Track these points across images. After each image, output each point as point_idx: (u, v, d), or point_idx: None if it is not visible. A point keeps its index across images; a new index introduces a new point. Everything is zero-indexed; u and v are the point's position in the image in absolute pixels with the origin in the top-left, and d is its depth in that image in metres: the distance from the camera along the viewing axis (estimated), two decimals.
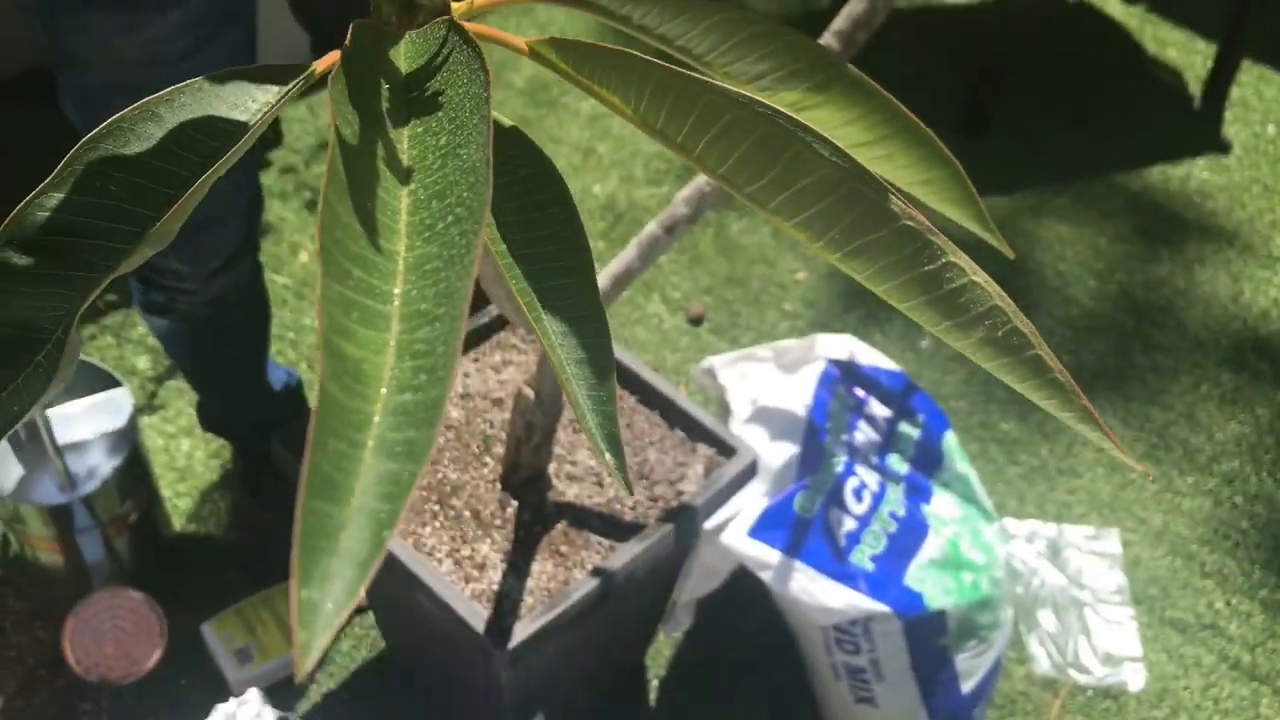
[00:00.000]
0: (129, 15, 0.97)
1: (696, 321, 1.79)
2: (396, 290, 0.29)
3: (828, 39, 0.95)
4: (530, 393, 1.09)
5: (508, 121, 0.40)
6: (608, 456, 0.39)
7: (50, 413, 1.28)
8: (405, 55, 0.36)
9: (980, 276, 0.35)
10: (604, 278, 1.07)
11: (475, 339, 1.28)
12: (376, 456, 0.26)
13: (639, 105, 0.36)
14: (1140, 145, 2.14)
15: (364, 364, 0.27)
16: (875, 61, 2.47)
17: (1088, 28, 2.41)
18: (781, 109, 0.36)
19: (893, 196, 0.34)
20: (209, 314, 1.26)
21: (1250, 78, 2.28)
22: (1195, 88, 2.27)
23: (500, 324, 1.29)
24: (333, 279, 0.27)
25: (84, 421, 1.31)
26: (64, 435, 1.29)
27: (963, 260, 0.35)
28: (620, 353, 1.25)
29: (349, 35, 0.35)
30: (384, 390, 0.27)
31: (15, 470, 1.28)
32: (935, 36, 2.37)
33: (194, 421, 1.57)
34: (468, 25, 0.38)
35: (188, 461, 1.56)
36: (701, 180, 1.02)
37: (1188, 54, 2.34)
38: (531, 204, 0.39)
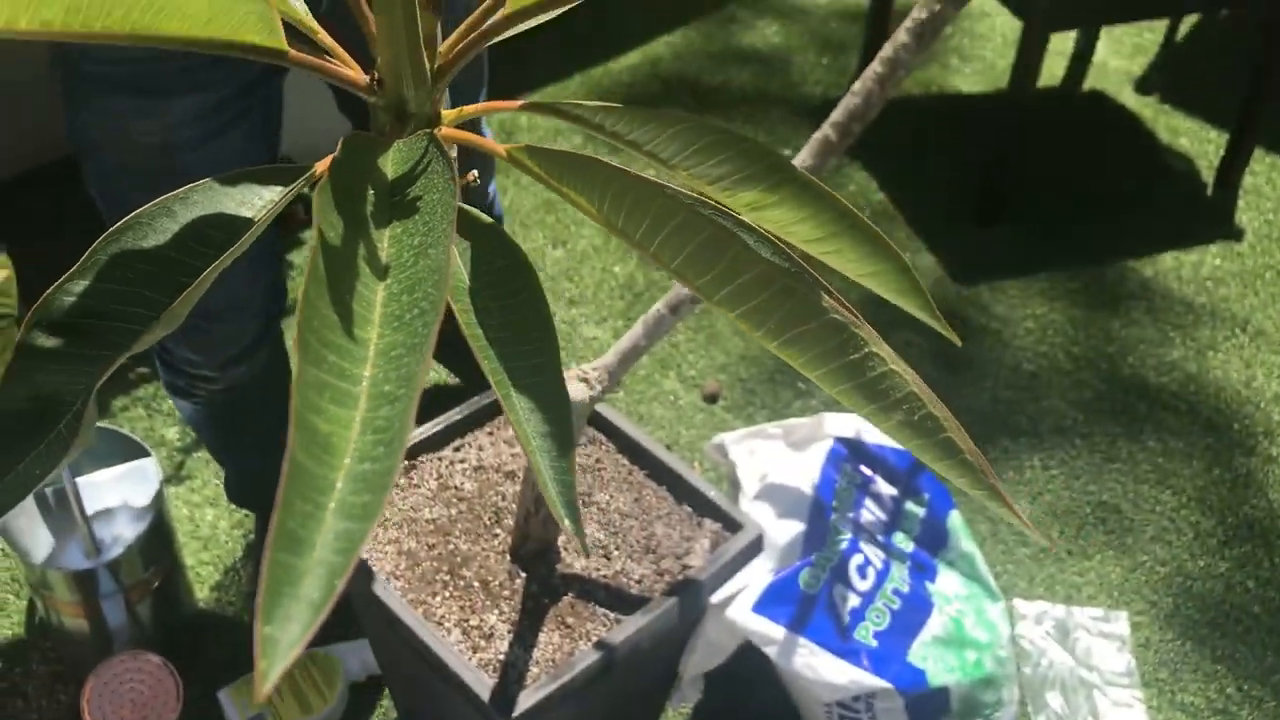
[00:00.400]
0: (145, 100, 1.03)
1: (712, 399, 1.83)
2: (366, 374, 0.33)
3: (826, 130, 0.99)
4: None
5: (486, 219, 0.45)
6: (566, 522, 0.43)
7: (79, 480, 1.32)
8: (393, 162, 0.40)
9: (899, 366, 0.38)
10: (612, 354, 1.11)
11: (490, 413, 1.32)
12: (336, 517, 0.30)
13: (602, 206, 0.40)
14: (1153, 231, 2.18)
15: (333, 437, 0.31)
16: (890, 148, 2.48)
17: (1101, 116, 2.47)
18: (735, 209, 0.40)
19: (824, 293, 0.37)
20: (227, 400, 1.29)
21: (1263, 166, 2.32)
22: (1208, 175, 2.30)
23: None
24: (309, 364, 0.31)
25: (112, 489, 1.36)
26: (92, 503, 1.33)
27: (884, 350, 0.38)
28: (631, 429, 1.29)
29: (339, 146, 0.39)
30: (348, 460, 0.31)
31: (44, 538, 1.32)
32: (950, 124, 2.42)
33: (219, 492, 1.61)
34: (453, 133, 0.42)
35: (211, 531, 1.60)
36: None
37: (1200, 143, 2.38)
38: (506, 292, 0.43)
